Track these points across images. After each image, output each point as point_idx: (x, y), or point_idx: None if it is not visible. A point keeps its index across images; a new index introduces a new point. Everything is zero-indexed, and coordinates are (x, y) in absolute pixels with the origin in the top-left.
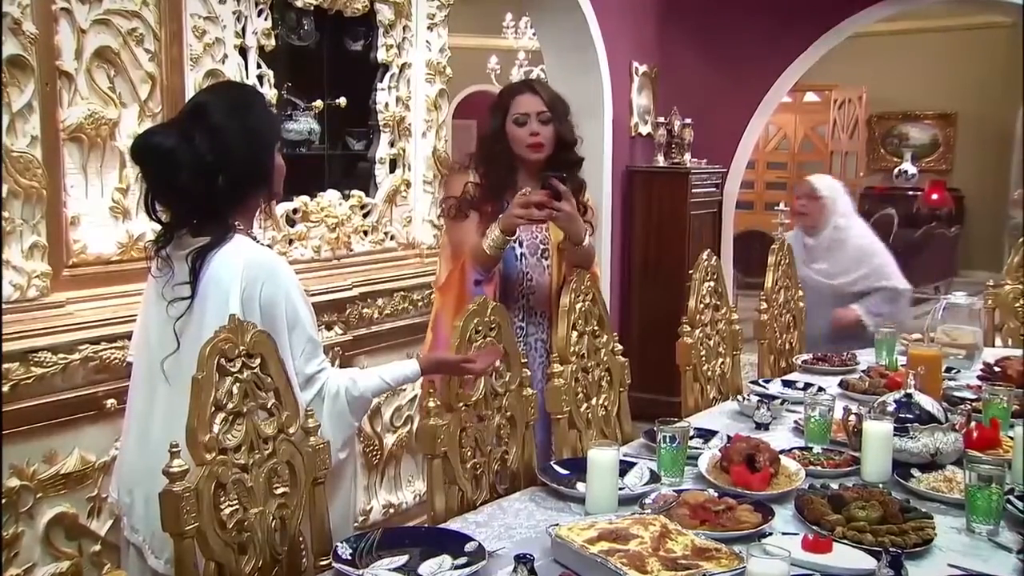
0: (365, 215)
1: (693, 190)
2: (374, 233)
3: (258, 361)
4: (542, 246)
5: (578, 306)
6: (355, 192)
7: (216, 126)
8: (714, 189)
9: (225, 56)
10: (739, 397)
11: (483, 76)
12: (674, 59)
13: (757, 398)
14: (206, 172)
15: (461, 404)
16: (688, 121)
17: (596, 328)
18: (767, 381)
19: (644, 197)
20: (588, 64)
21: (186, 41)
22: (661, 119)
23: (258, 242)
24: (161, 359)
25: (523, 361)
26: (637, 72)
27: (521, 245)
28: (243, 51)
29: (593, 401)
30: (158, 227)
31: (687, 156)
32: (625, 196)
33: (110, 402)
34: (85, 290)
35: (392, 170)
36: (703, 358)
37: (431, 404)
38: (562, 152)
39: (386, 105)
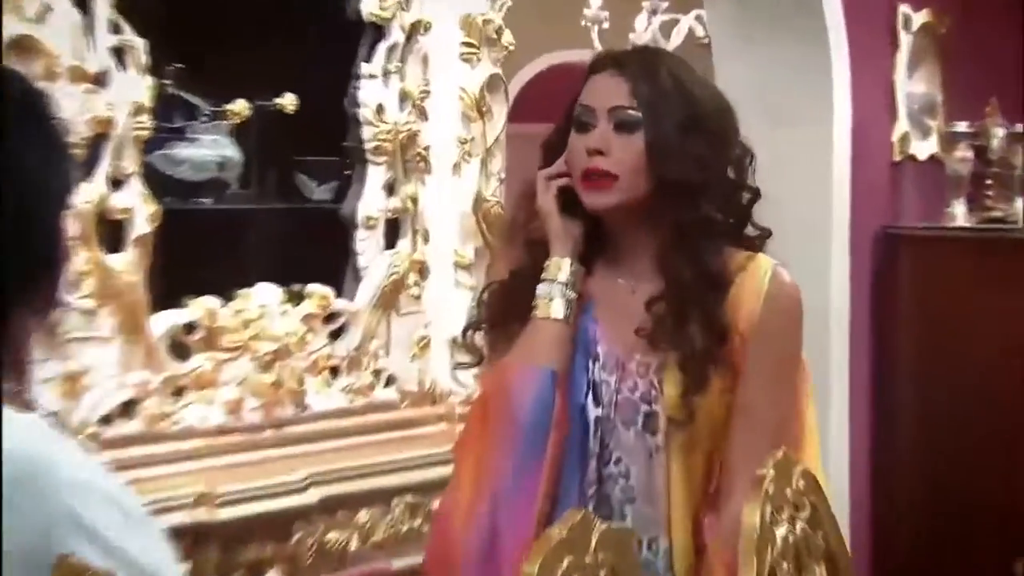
0: (335, 334)
1: None
2: (353, 373)
3: None
4: (643, 405)
5: (780, 532)
6: (313, 288)
7: None
8: None
9: (47, 8)
10: None
11: (572, 36)
12: (985, 3)
13: None
14: None
15: None
16: (1022, 129)
17: None
18: None
19: (923, 288)
20: (797, 10)
21: None
22: (962, 127)
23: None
24: None
25: None
26: (908, 26)
27: (597, 402)
28: None
29: None
30: None
31: (1022, 204)
32: (879, 285)
33: None
34: None
35: (391, 243)
36: None
37: None
38: (670, 202)
39: (379, 108)
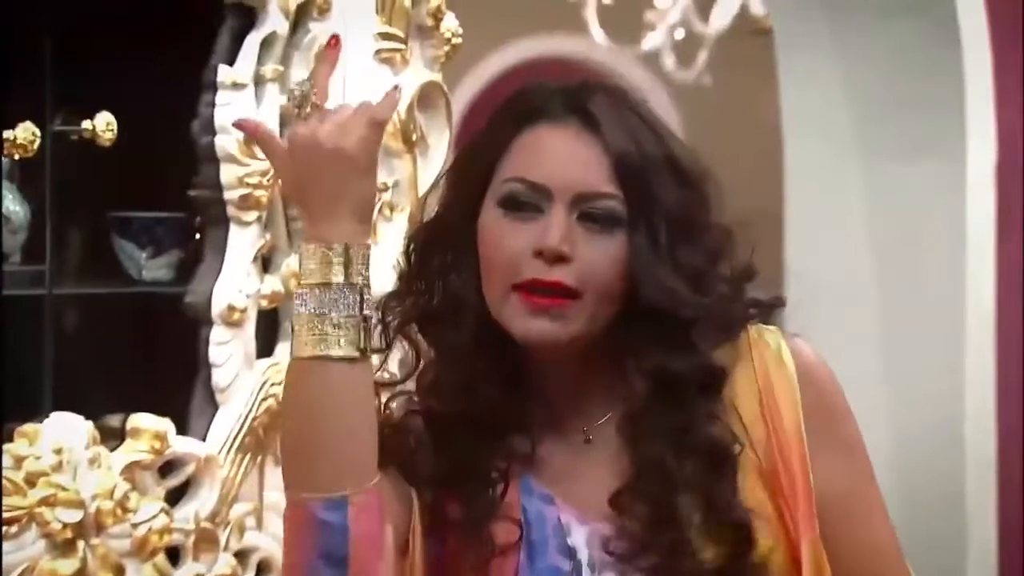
0: (176, 494)
1: None
2: (205, 556)
3: None
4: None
5: None
6: (141, 421)
7: None
8: None
9: None
10: None
11: (554, 15)
12: None
13: None
14: None
15: None
16: None
17: None
18: None
19: None
20: None
21: None
22: None
23: None
24: None
25: None
26: None
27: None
28: None
29: None
30: None
31: None
32: None
33: None
34: None
35: (267, 348)
36: None
37: None
38: (648, 339)
39: (248, 137)
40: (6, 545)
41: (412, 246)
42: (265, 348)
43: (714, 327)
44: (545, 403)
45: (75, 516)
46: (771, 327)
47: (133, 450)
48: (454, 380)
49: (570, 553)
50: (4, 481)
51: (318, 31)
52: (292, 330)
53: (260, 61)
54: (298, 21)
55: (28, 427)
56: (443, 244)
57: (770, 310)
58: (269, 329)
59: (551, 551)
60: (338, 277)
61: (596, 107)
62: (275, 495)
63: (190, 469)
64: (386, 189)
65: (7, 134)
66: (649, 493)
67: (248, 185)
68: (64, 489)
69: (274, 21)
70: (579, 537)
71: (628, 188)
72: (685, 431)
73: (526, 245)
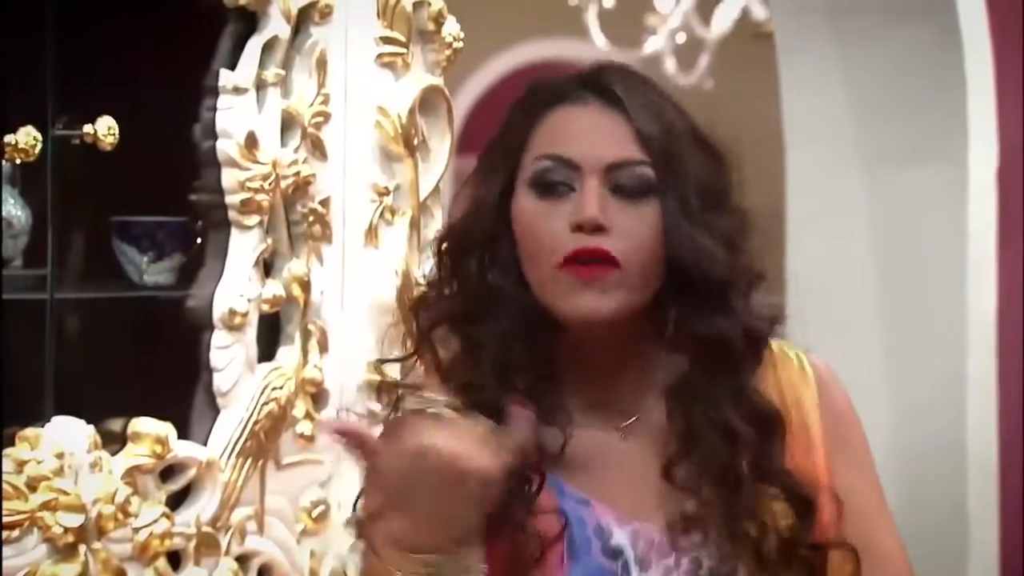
0: (177, 499)
1: None
2: (206, 560)
3: None
4: None
5: None
6: (142, 425)
7: None
8: None
9: None
10: None
11: (555, 20)
12: None
13: None
14: None
15: None
16: None
17: None
18: None
19: None
20: None
21: None
22: None
23: None
24: None
25: None
26: None
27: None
28: None
29: None
30: None
31: None
32: None
33: None
34: None
35: (268, 352)
36: None
37: None
38: (690, 307)
39: (249, 141)
40: (7, 550)
41: (444, 247)
42: (266, 352)
43: (746, 292)
44: (580, 397)
45: (76, 520)
46: (787, 342)
47: (134, 454)
48: (490, 373)
49: (615, 554)
50: (5, 485)
51: (320, 36)
52: None
53: (262, 65)
54: (300, 25)
55: (29, 431)
56: (477, 241)
57: (776, 323)
58: (270, 333)
59: (595, 552)
60: None
61: (615, 85)
62: (276, 499)
63: (191, 473)
64: (387, 193)
65: (8, 138)
66: (705, 459)
67: (249, 189)
68: (65, 493)
69: (276, 25)
70: (622, 537)
71: (656, 156)
72: (736, 394)
73: (564, 223)
